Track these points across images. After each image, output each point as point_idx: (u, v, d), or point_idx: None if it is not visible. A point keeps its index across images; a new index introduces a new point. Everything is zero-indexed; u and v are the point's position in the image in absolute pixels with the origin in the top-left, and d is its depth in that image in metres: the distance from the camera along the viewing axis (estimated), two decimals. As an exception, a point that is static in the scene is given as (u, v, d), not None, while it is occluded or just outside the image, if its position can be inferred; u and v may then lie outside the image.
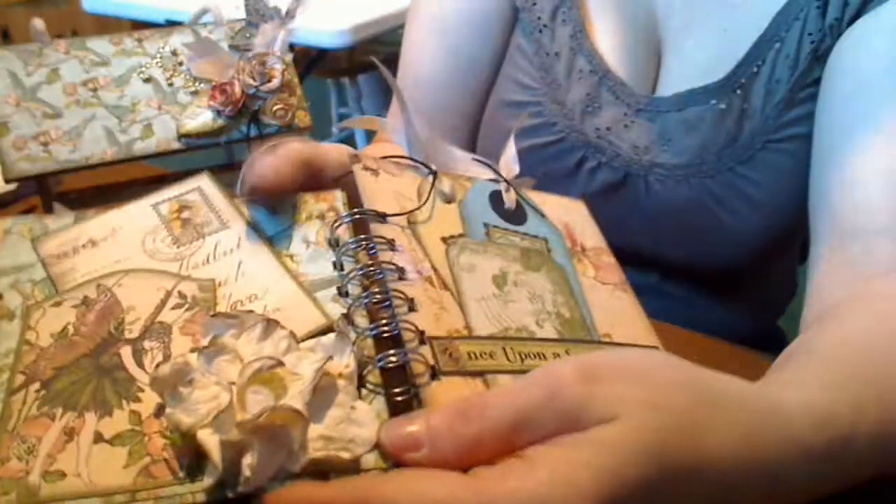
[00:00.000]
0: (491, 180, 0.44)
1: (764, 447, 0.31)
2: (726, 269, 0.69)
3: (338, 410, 0.29)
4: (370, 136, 2.40)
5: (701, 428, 0.30)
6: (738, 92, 0.63)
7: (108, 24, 2.92)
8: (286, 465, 0.28)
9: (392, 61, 0.80)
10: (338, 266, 0.35)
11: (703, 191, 0.64)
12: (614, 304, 0.43)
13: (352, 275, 0.34)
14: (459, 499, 0.26)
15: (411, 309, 0.32)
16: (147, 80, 0.56)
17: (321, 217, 0.38)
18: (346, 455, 0.29)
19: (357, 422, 0.29)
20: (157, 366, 0.30)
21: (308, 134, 0.61)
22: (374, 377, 0.31)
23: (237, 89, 0.55)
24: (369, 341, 0.32)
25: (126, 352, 0.32)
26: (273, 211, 0.38)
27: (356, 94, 2.80)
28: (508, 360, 0.34)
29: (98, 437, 0.29)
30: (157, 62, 0.56)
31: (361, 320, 0.33)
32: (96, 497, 0.28)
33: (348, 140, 3.13)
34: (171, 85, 0.56)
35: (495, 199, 0.43)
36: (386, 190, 0.38)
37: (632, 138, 0.66)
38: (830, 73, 0.60)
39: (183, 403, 0.29)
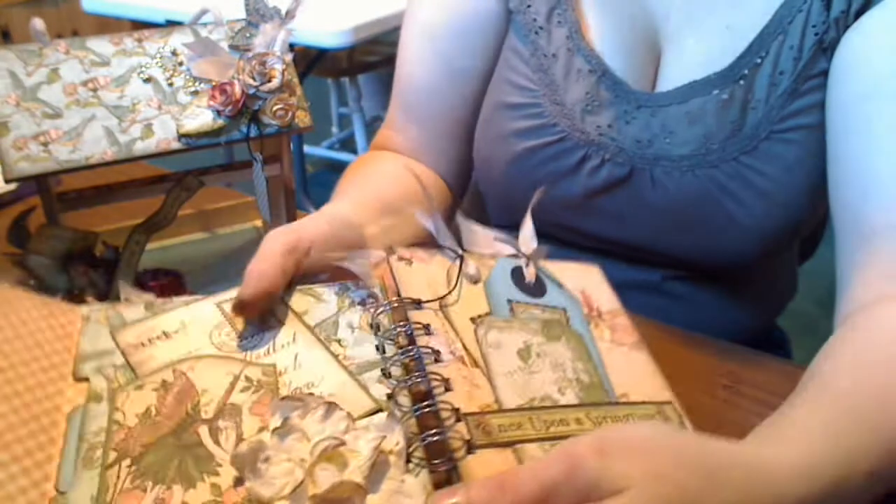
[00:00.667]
0: (511, 256, 0.49)
1: None
2: (732, 263, 0.69)
3: (390, 483, 0.34)
4: (369, 137, 2.40)
5: (700, 495, 0.34)
6: (741, 83, 0.63)
7: (108, 24, 2.92)
8: None
9: (392, 61, 0.81)
10: (380, 349, 0.40)
11: (709, 181, 0.64)
12: (630, 365, 0.47)
13: (394, 359, 0.39)
14: None
15: (447, 389, 0.37)
16: (147, 80, 0.55)
17: (362, 303, 0.44)
18: None
19: (407, 493, 0.34)
20: (237, 444, 0.35)
21: (308, 134, 0.61)
22: (418, 453, 0.35)
23: (237, 89, 0.55)
24: (413, 420, 0.36)
25: (203, 431, 0.36)
26: (320, 299, 0.43)
27: (356, 94, 2.80)
28: (534, 428, 0.38)
29: None
30: (158, 62, 0.56)
31: (404, 400, 0.37)
32: None
33: (348, 141, 3.13)
34: (171, 85, 0.56)
35: (517, 274, 0.48)
36: (419, 277, 0.44)
37: (634, 133, 0.66)
38: (840, 69, 0.61)
39: (261, 478, 0.33)
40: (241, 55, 0.57)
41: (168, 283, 0.59)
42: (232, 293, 0.44)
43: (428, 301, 0.42)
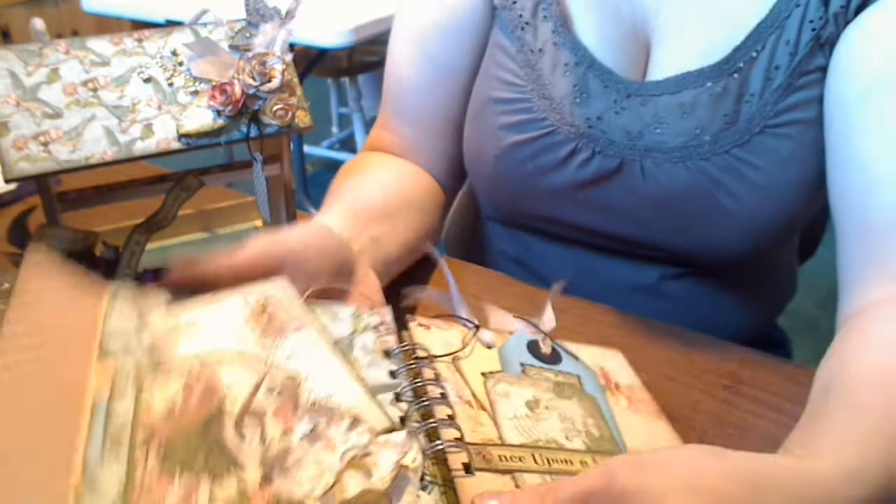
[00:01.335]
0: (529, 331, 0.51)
1: None
2: (726, 257, 0.69)
3: (408, 496, 0.35)
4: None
5: None
6: (736, 76, 0.63)
7: (108, 24, 2.92)
8: None
9: (392, 61, 0.81)
10: (393, 375, 0.42)
11: (701, 173, 0.64)
12: (645, 428, 0.47)
13: (406, 387, 0.41)
14: None
15: (452, 420, 0.39)
16: (147, 80, 0.55)
17: (375, 329, 0.45)
18: None
19: None
20: (263, 444, 0.36)
21: (308, 134, 0.61)
22: (429, 471, 0.37)
23: (237, 89, 0.55)
24: (422, 439, 0.38)
25: (229, 426, 0.37)
26: (336, 317, 0.45)
27: (356, 94, 2.80)
28: (536, 463, 0.39)
29: (213, 499, 0.33)
30: (158, 62, 0.56)
31: (416, 423, 0.39)
32: None
33: (348, 140, 3.13)
34: (171, 85, 0.56)
35: (532, 346, 0.50)
36: (436, 339, 0.46)
37: (624, 124, 0.66)
38: (841, 67, 0.61)
39: (291, 479, 0.34)
40: (242, 55, 0.56)
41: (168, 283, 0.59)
42: (256, 289, 0.45)
43: (440, 356, 0.44)
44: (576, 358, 0.51)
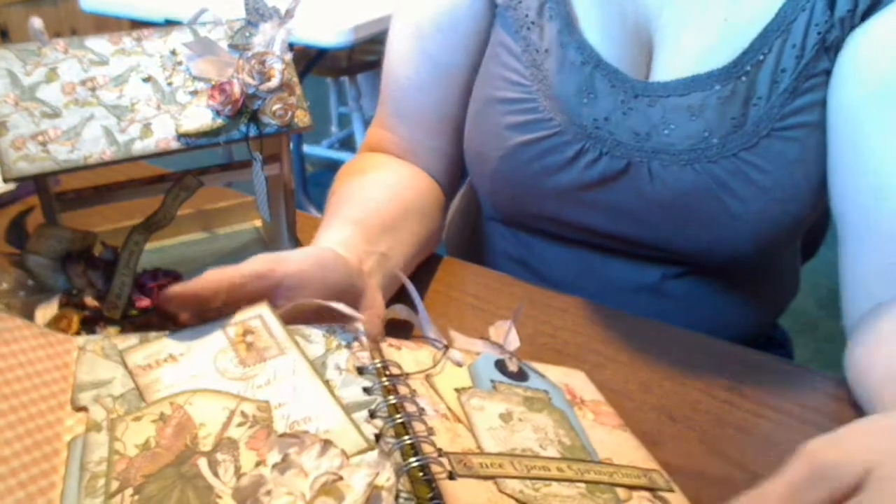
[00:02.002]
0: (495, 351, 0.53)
1: None
2: (730, 259, 0.69)
3: None
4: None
5: None
6: (743, 79, 0.63)
7: (107, 24, 2.92)
8: None
9: (392, 61, 0.80)
10: (368, 392, 0.42)
11: (709, 176, 0.64)
12: (614, 439, 0.48)
13: (381, 403, 0.41)
14: None
15: (430, 434, 0.39)
16: (146, 80, 0.55)
17: (349, 346, 0.45)
18: None
19: None
20: (236, 477, 0.36)
21: (307, 133, 0.61)
22: (405, 486, 0.37)
23: (236, 89, 0.55)
24: (398, 452, 0.38)
25: (203, 463, 0.37)
26: (308, 340, 0.45)
27: (355, 94, 2.80)
28: (515, 469, 0.40)
29: None
30: (157, 62, 0.56)
31: (391, 440, 0.39)
32: None
33: (348, 140, 3.12)
34: (170, 84, 0.56)
35: (500, 365, 0.51)
36: (407, 358, 0.46)
37: (631, 125, 0.66)
38: (846, 71, 0.61)
39: None
40: (241, 54, 0.56)
41: (167, 283, 0.58)
42: (236, 317, 0.46)
43: (413, 373, 0.45)
44: (541, 376, 0.52)
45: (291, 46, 0.59)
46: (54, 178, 0.55)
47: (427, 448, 0.38)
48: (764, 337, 0.85)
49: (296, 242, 0.68)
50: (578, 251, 0.76)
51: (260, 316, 0.46)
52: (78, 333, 0.53)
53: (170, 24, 0.59)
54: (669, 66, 0.66)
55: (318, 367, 0.43)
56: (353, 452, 0.38)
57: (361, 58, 2.68)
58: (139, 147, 0.54)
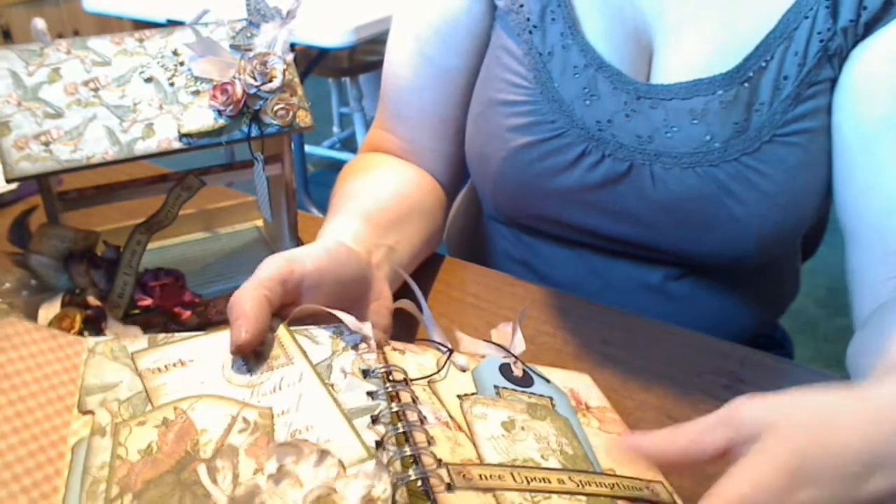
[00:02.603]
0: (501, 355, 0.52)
1: (884, 439, 0.38)
2: (732, 261, 0.70)
3: None
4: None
5: (828, 424, 0.37)
6: (746, 85, 0.64)
7: (110, 24, 2.92)
8: None
9: (393, 61, 0.81)
10: (371, 396, 0.42)
11: (711, 180, 0.65)
12: (618, 449, 0.47)
13: (384, 410, 0.41)
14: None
15: (431, 444, 0.39)
16: (148, 80, 0.56)
17: (355, 348, 0.45)
18: None
19: None
20: (233, 485, 0.36)
21: (309, 133, 0.61)
22: (402, 497, 0.36)
23: (238, 89, 0.56)
24: (398, 463, 0.38)
25: (202, 469, 0.37)
26: (316, 342, 0.45)
27: (357, 94, 2.80)
28: (515, 482, 0.40)
29: None
30: (159, 62, 0.56)
31: (392, 448, 0.39)
32: None
33: (349, 140, 3.13)
34: (172, 85, 0.56)
35: (504, 369, 0.51)
36: (410, 363, 0.46)
37: (634, 128, 0.66)
38: (857, 85, 0.62)
39: None
40: (243, 55, 0.57)
41: (169, 282, 0.59)
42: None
43: (416, 379, 0.44)
44: (546, 380, 0.52)
45: (293, 47, 0.59)
46: (57, 177, 0.55)
47: (427, 460, 0.38)
48: (764, 337, 0.85)
49: (297, 242, 0.68)
50: (580, 252, 0.76)
51: (270, 325, 0.45)
52: (80, 333, 0.53)
53: (172, 24, 0.59)
54: (669, 70, 0.66)
55: (324, 369, 0.43)
56: (353, 461, 0.38)
57: (363, 58, 2.68)
58: (141, 147, 0.54)
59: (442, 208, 0.77)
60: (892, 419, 0.38)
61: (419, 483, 0.37)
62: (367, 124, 2.71)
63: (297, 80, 0.59)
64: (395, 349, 0.47)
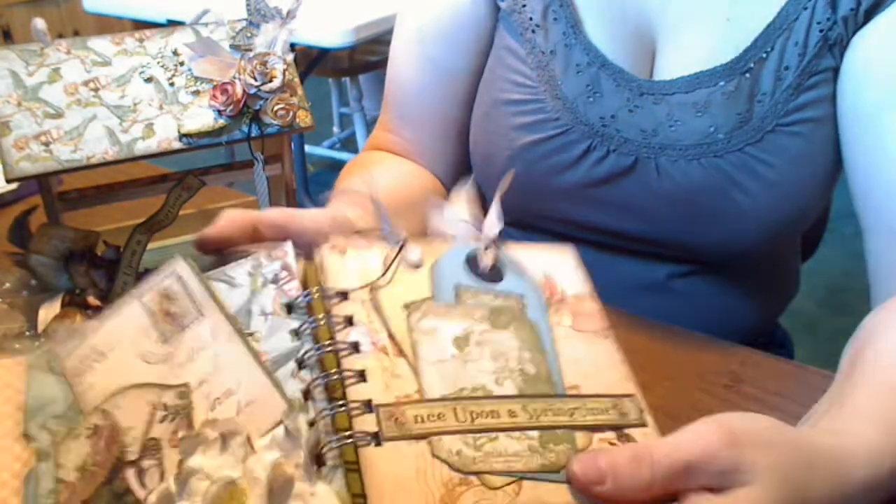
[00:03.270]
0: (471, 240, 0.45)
1: (850, 493, 0.40)
2: (738, 253, 0.70)
3: (297, 501, 0.33)
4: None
5: (805, 484, 0.38)
6: (747, 76, 0.64)
7: (110, 24, 2.92)
8: None
9: (393, 61, 0.81)
10: (295, 336, 0.37)
11: (716, 171, 0.65)
12: (590, 354, 0.42)
13: (308, 353, 0.37)
14: None
15: (362, 380, 0.35)
16: (148, 80, 0.56)
17: (275, 281, 0.39)
18: None
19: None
20: (148, 493, 0.34)
21: (309, 133, 0.61)
22: (331, 454, 0.33)
23: (238, 89, 0.56)
24: (328, 419, 0.34)
25: (131, 474, 0.35)
26: (233, 284, 0.40)
27: (357, 94, 2.80)
28: (457, 420, 0.36)
29: None
30: (159, 62, 0.56)
31: (320, 394, 0.35)
32: None
33: (349, 140, 3.13)
34: (172, 85, 0.56)
35: (472, 261, 0.43)
36: (351, 266, 0.40)
37: (638, 122, 0.67)
38: (858, 71, 0.62)
39: None
40: (243, 55, 0.57)
41: (169, 282, 0.59)
42: (150, 283, 0.42)
43: (353, 290, 0.39)
44: (520, 272, 0.44)
45: (293, 47, 0.59)
46: (57, 177, 0.55)
47: (353, 406, 0.34)
48: (764, 337, 0.85)
49: (297, 242, 0.68)
50: (584, 250, 0.76)
51: (176, 274, 0.41)
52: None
53: (172, 24, 0.59)
54: (672, 65, 0.67)
55: (243, 317, 0.39)
56: (276, 422, 0.35)
57: (363, 58, 2.68)
58: (141, 147, 0.54)
59: None
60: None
61: (348, 439, 0.34)
62: (368, 124, 2.71)
63: (297, 80, 0.59)
64: (334, 248, 0.41)
